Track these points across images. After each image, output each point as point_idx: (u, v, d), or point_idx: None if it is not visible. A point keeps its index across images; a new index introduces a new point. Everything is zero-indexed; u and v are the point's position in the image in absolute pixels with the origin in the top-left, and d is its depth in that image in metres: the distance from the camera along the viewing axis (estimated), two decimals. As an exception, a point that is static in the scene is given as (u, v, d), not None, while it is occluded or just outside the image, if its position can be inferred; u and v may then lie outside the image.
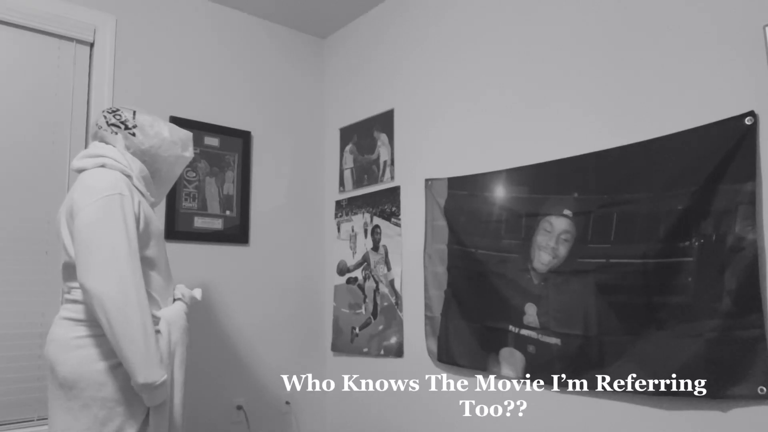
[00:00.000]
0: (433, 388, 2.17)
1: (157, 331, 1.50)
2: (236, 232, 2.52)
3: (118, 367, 1.43)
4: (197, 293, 1.72)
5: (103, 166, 1.53)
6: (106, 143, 1.61)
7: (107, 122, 1.62)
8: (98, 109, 2.18)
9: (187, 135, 1.74)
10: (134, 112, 1.66)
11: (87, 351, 1.43)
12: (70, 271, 1.50)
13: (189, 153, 1.74)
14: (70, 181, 2.11)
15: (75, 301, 1.48)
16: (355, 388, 2.55)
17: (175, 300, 1.65)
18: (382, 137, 2.51)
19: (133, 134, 1.62)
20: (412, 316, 2.28)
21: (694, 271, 1.45)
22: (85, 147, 2.15)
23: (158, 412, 1.46)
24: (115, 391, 1.42)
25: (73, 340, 1.44)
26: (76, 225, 1.42)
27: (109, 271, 1.37)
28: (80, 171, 1.56)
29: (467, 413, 2.03)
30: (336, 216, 2.75)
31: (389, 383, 2.36)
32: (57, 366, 1.44)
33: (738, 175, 1.39)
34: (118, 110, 1.65)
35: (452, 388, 2.10)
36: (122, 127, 1.62)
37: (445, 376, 2.13)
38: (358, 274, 2.56)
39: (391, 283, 2.38)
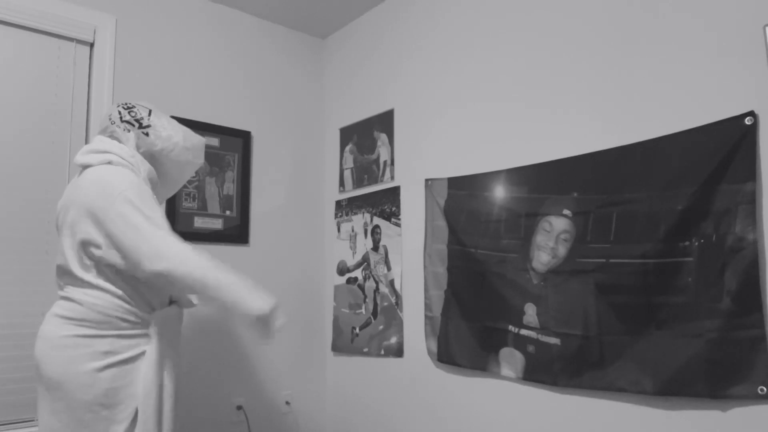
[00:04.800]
0: (433, 388, 2.17)
1: (146, 335, 1.47)
2: (236, 232, 2.52)
3: (105, 370, 1.40)
4: (193, 297, 1.70)
5: (109, 162, 1.50)
6: (115, 139, 1.56)
7: (121, 118, 1.58)
8: (98, 109, 2.18)
9: (200, 141, 1.73)
10: (150, 111, 1.62)
11: (75, 351, 1.39)
12: (65, 271, 1.49)
13: (200, 159, 1.73)
14: (70, 181, 2.10)
15: (68, 299, 1.45)
16: (355, 388, 2.55)
17: (171, 302, 1.62)
18: (382, 137, 2.51)
19: (146, 134, 1.59)
20: (412, 316, 2.28)
21: (694, 271, 1.44)
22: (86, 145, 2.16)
23: (145, 418, 1.41)
24: (101, 394, 1.38)
25: (61, 339, 1.40)
26: (112, 219, 1.40)
27: (169, 246, 1.40)
28: (84, 166, 1.53)
29: (467, 413, 2.03)
30: (336, 216, 2.75)
31: (389, 383, 2.36)
32: (43, 365, 1.40)
33: (738, 175, 1.38)
34: (133, 107, 1.61)
35: (452, 388, 2.10)
36: (136, 125, 1.58)
37: (445, 376, 2.13)
38: (358, 274, 2.56)
39: (391, 283, 2.38)
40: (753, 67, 1.40)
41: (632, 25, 1.66)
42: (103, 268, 1.46)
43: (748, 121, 1.38)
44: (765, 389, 1.32)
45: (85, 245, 1.45)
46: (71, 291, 1.47)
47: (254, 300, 1.42)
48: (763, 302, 1.35)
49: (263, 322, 1.43)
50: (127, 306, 1.46)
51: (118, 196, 1.42)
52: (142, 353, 1.45)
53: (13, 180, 2.01)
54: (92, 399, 1.38)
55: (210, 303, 1.47)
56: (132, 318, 1.46)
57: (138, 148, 1.58)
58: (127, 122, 1.58)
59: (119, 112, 1.59)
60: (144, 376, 1.43)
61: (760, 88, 1.39)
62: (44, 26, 2.09)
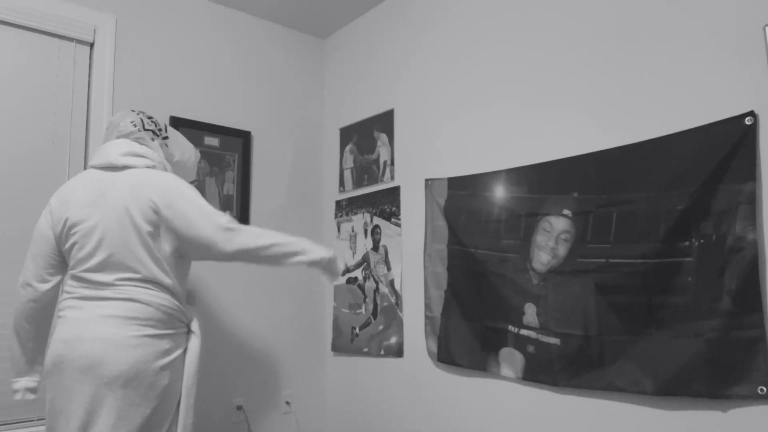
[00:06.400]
0: (433, 388, 2.17)
1: (189, 331, 1.58)
2: (236, 232, 2.52)
3: (167, 367, 1.48)
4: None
5: (153, 167, 1.56)
6: (144, 145, 1.61)
7: (144, 126, 1.62)
8: (98, 109, 2.18)
9: (198, 155, 1.87)
10: (165, 124, 1.71)
11: (144, 350, 1.45)
12: (122, 266, 1.49)
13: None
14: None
15: (129, 299, 1.47)
16: (355, 388, 2.55)
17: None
18: (382, 137, 2.51)
19: (166, 144, 1.68)
20: (412, 316, 2.28)
21: (694, 271, 1.44)
22: (86, 146, 2.16)
23: (187, 408, 1.53)
24: (162, 390, 1.47)
25: (128, 339, 1.44)
26: (183, 210, 1.49)
27: (236, 225, 1.55)
28: (122, 168, 1.54)
29: (467, 413, 2.03)
30: (336, 216, 2.75)
31: (389, 383, 2.36)
32: (109, 365, 1.42)
33: (738, 175, 1.38)
34: (151, 116, 1.68)
35: (452, 388, 2.10)
36: (159, 135, 1.65)
37: (445, 376, 2.13)
38: (358, 274, 2.56)
39: (391, 283, 2.38)
40: (753, 67, 1.40)
41: (632, 25, 1.66)
42: (167, 266, 1.53)
43: (748, 121, 1.38)
44: (765, 389, 1.32)
45: (155, 240, 1.51)
46: (132, 291, 1.48)
47: (318, 249, 1.61)
48: (762, 302, 1.35)
49: (331, 264, 1.64)
50: (180, 305, 1.55)
51: (183, 192, 1.52)
52: (185, 349, 1.56)
53: (13, 180, 2.01)
54: (156, 395, 1.46)
55: (280, 262, 1.58)
56: (182, 316, 1.56)
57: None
58: (150, 131, 1.64)
59: (141, 120, 1.63)
60: (187, 371, 1.54)
61: (760, 88, 1.39)
62: (44, 26, 2.09)
